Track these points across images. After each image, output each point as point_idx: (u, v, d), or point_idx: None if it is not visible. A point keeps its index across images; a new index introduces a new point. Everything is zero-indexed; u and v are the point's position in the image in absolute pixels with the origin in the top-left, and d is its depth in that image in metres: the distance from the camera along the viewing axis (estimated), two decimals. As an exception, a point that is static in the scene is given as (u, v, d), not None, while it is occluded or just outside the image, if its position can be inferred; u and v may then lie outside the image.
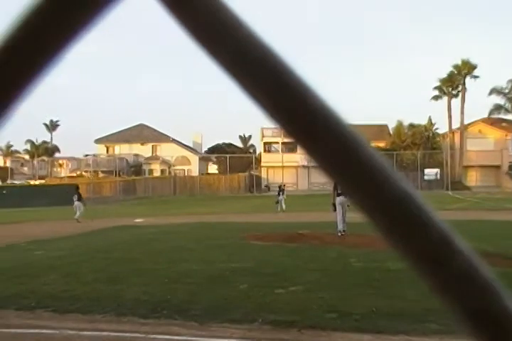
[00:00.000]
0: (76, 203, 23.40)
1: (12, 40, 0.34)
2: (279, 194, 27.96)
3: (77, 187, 25.26)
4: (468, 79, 54.41)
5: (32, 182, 54.38)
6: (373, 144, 58.08)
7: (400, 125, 59.83)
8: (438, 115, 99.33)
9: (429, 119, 59.32)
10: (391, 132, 61.82)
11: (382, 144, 59.65)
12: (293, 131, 0.39)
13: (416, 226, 0.37)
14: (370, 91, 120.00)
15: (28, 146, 77.61)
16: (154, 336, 5.29)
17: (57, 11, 0.34)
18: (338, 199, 14.05)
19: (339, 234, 13.72)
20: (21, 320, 6.05)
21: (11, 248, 13.01)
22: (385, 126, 63.75)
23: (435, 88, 56.66)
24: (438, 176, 53.22)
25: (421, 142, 57.51)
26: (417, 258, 0.38)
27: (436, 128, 59.91)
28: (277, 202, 27.27)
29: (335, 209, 14.24)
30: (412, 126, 59.63)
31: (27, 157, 77.27)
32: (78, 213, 22.64)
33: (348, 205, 13.88)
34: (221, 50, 0.37)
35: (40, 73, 0.36)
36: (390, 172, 0.38)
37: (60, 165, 73.08)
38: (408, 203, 0.38)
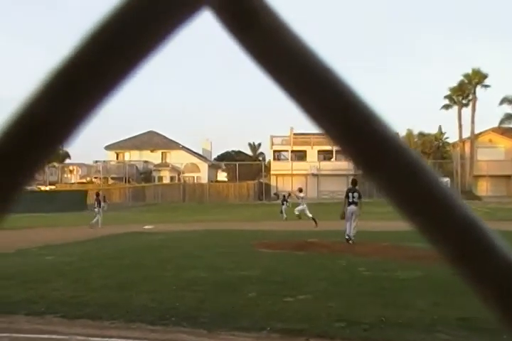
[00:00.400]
0: (96, 210, 23.52)
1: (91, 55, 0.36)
2: (283, 203, 28.45)
3: (98, 194, 25.33)
4: (478, 89, 54.21)
5: (42, 188, 54.67)
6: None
7: (409, 134, 59.72)
8: (448, 124, 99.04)
9: (440, 128, 59.21)
10: (401, 141, 61.59)
11: (391, 153, 59.42)
12: (357, 155, 0.39)
13: (482, 252, 0.38)
14: (380, 99, 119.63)
15: (39, 152, 78.00)
16: (163, 343, 5.31)
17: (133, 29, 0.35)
18: (350, 209, 14.19)
19: (350, 242, 13.89)
20: (31, 325, 6.09)
21: (21, 253, 13.08)
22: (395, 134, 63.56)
23: (445, 97, 56.49)
24: (448, 186, 52.87)
25: (431, 151, 57.35)
26: (481, 284, 0.39)
27: (447, 138, 59.77)
28: (281, 212, 27.60)
29: (343, 218, 14.31)
30: (421, 135, 59.53)
31: (38, 163, 77.61)
32: (95, 219, 22.80)
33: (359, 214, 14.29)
34: (285, 75, 0.38)
35: (115, 87, 0.37)
36: (455, 198, 0.39)
37: (71, 172, 73.43)
38: (474, 230, 0.38)
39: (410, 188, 0.39)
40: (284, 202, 28.45)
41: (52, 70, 0.35)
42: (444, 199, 0.38)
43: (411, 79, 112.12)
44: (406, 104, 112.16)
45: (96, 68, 0.35)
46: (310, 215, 22.94)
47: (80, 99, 0.35)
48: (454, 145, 58.22)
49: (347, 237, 14.08)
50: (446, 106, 56.92)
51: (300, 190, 25.44)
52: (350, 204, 14.25)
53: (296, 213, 24.40)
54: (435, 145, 58.25)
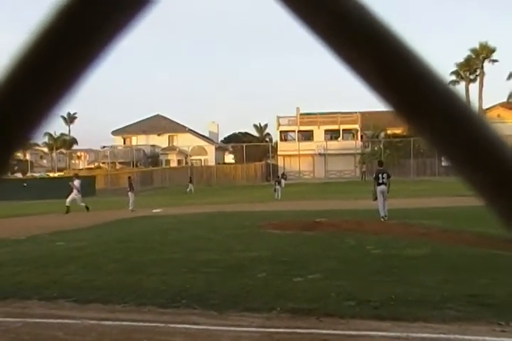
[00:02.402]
0: (129, 193, 23.67)
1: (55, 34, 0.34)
2: (275, 183, 29.07)
3: (130, 178, 25.52)
4: (486, 63, 53.58)
5: (51, 174, 54.95)
6: (390, 131, 57.81)
7: (416, 111, 59.17)
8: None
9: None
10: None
11: (398, 131, 59.17)
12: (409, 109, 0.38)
13: None
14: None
15: (46, 139, 78.42)
16: (174, 325, 5.35)
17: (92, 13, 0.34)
18: (380, 188, 15.06)
19: (382, 220, 14.50)
20: (44, 310, 6.16)
21: (33, 239, 13.20)
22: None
23: (452, 73, 55.91)
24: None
25: (438, 128, 56.89)
26: None
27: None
28: (275, 191, 28.07)
29: (376, 199, 15.05)
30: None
31: (46, 150, 78.08)
32: (130, 203, 22.98)
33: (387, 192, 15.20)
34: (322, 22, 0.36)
35: (84, 72, 0.36)
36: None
37: (78, 157, 73.78)
38: None
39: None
40: (276, 183, 29.07)
41: (12, 61, 0.33)
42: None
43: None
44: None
45: (56, 58, 0.33)
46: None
47: (41, 90, 0.33)
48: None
49: (383, 217, 14.68)
50: (453, 82, 56.31)
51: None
52: (380, 184, 15.10)
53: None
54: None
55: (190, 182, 40.94)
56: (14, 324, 5.70)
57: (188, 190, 39.21)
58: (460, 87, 56.03)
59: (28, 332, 5.42)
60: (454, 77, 55.87)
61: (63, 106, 0.36)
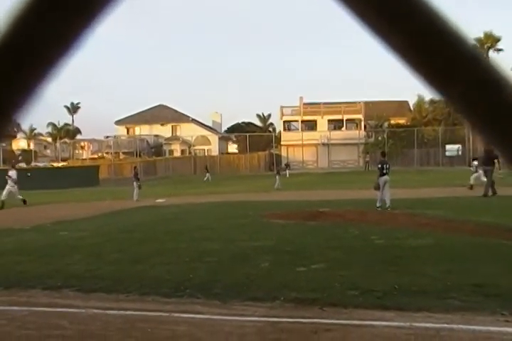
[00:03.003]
0: (134, 183, 23.66)
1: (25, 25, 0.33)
2: (276, 173, 29.31)
3: (135, 168, 25.47)
4: (491, 53, 53.18)
5: (55, 164, 55.03)
6: (393, 121, 57.61)
7: (420, 101, 58.95)
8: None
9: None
10: (412, 108, 61.01)
11: (402, 120, 58.95)
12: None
13: None
14: (391, 65, 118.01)
15: (50, 129, 78.45)
16: (178, 315, 5.36)
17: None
18: (384, 179, 15.33)
19: (379, 209, 14.80)
20: (49, 299, 6.19)
21: (37, 229, 13.24)
22: (406, 102, 62.96)
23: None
24: (460, 152, 52.46)
25: (442, 118, 56.64)
26: None
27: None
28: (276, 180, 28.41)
29: (378, 188, 15.30)
30: (433, 101, 58.68)
31: (49, 139, 78.16)
32: (135, 193, 23.01)
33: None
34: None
35: (61, 56, 0.35)
36: None
37: (82, 147, 73.78)
38: None
39: None
40: (278, 173, 29.30)
41: None
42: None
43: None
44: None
45: (39, 35, 0.32)
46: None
47: (24, 69, 0.31)
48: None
49: (380, 207, 14.97)
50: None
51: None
52: (384, 174, 15.34)
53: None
54: (446, 112, 57.46)
55: (207, 171, 42.30)
56: (19, 312, 5.73)
57: (205, 179, 40.21)
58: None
59: (33, 320, 5.44)
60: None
61: (47, 87, 0.34)
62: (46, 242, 10.65)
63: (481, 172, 20.89)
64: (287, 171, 41.44)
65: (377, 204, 15.05)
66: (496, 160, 18.58)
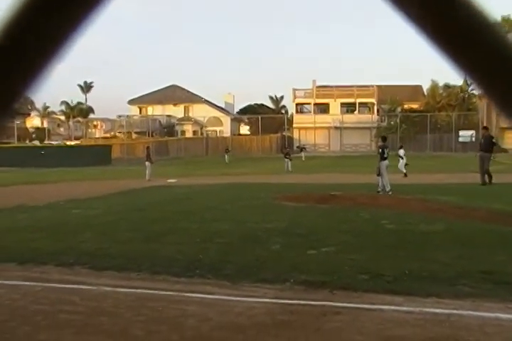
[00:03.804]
0: (146, 163, 23.77)
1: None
2: (285, 156, 29.39)
3: (148, 148, 25.54)
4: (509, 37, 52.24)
5: (68, 142, 55.33)
6: (407, 105, 57.07)
7: (434, 86, 58.30)
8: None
9: (465, 80, 57.51)
10: (425, 93, 60.37)
11: (416, 105, 58.42)
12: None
13: None
14: (405, 50, 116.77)
15: (63, 107, 78.67)
16: (188, 294, 5.41)
17: None
18: (385, 163, 15.44)
19: (390, 193, 14.86)
20: (61, 276, 6.27)
21: (50, 206, 13.38)
22: (420, 87, 62.31)
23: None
24: (473, 138, 51.98)
25: (456, 103, 56.03)
26: None
27: (473, 89, 58.10)
28: (288, 162, 28.70)
29: (379, 174, 15.34)
30: (447, 86, 57.98)
31: (63, 118, 78.44)
32: (147, 172, 23.13)
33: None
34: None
35: (71, 36, 0.35)
36: None
37: (95, 126, 74.07)
38: None
39: None
40: (287, 155, 29.34)
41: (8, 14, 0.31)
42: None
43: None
44: (431, 54, 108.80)
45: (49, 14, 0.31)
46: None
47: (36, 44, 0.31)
48: (480, 96, 56.70)
49: (389, 191, 15.00)
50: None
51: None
52: (385, 159, 15.43)
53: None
54: (460, 97, 56.78)
55: (227, 152, 42.65)
56: (33, 288, 5.82)
57: (226, 160, 40.72)
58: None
59: (46, 296, 5.52)
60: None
61: (57, 64, 0.34)
62: (59, 220, 10.76)
63: (403, 160, 22.11)
64: (303, 154, 41.34)
65: (378, 189, 15.14)
66: (493, 147, 18.30)
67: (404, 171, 21.90)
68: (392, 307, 4.83)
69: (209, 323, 4.56)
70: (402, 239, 7.89)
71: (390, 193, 14.80)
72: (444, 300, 4.96)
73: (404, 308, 4.79)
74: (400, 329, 4.32)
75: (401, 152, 22.70)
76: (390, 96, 55.19)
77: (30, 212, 12.30)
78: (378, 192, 15.05)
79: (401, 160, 22.42)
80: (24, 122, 67.41)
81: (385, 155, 15.44)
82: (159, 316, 4.79)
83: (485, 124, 51.21)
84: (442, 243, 7.58)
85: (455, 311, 4.67)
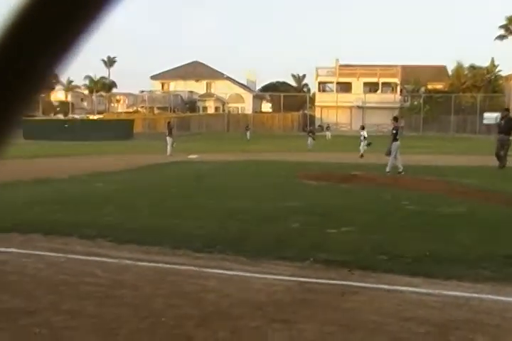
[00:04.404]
0: (167, 138, 23.87)
1: None
2: (308, 134, 29.36)
3: (169, 123, 25.59)
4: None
5: (91, 116, 55.69)
6: (431, 86, 56.10)
7: (459, 66, 57.17)
8: (502, 56, 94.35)
9: (492, 61, 56.28)
10: (450, 74, 59.25)
11: (440, 86, 57.44)
12: None
13: None
14: (430, 29, 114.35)
15: (87, 81, 78.99)
16: (208, 270, 5.46)
17: None
18: (398, 144, 15.46)
19: (402, 173, 14.94)
20: (84, 248, 6.37)
21: (73, 179, 13.54)
22: (444, 67, 61.14)
23: (501, 27, 53.41)
24: (498, 120, 51.14)
25: (482, 85, 54.92)
26: None
27: (499, 71, 56.86)
28: (312, 140, 28.76)
29: (389, 154, 15.36)
30: (472, 67, 56.80)
31: (86, 92, 78.82)
32: (168, 148, 23.28)
33: None
34: None
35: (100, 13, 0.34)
36: None
37: (117, 101, 74.31)
38: None
39: None
40: (310, 134, 29.17)
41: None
42: None
43: (464, 8, 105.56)
44: (457, 35, 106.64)
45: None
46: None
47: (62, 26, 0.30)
48: (507, 78, 55.50)
49: (402, 171, 15.03)
50: (501, 37, 53.99)
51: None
52: (397, 140, 15.53)
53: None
54: (486, 79, 55.59)
55: (247, 129, 42.51)
56: (57, 258, 5.92)
57: (248, 137, 40.85)
58: (507, 42, 53.66)
59: (69, 267, 5.63)
60: (502, 32, 53.42)
61: (85, 40, 0.34)
62: (82, 193, 10.90)
63: (364, 141, 22.48)
64: (328, 133, 41.05)
65: (387, 169, 15.08)
66: None
67: (362, 152, 22.19)
68: (411, 289, 4.83)
69: (228, 299, 4.60)
70: (422, 221, 7.85)
71: (403, 173, 14.83)
72: (464, 284, 4.94)
73: (423, 290, 4.79)
74: (418, 310, 4.32)
75: (363, 132, 22.98)
76: (413, 77, 54.32)
77: (54, 184, 12.47)
78: (387, 172, 14.98)
79: (362, 141, 22.75)
80: (48, 96, 67.89)
81: (398, 136, 15.60)
82: (179, 290, 4.86)
83: (511, 105, 50.30)
84: (464, 225, 7.52)
85: (475, 295, 4.65)
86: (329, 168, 16.30)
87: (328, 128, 43.24)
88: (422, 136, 46.06)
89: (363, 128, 23.83)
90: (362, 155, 21.79)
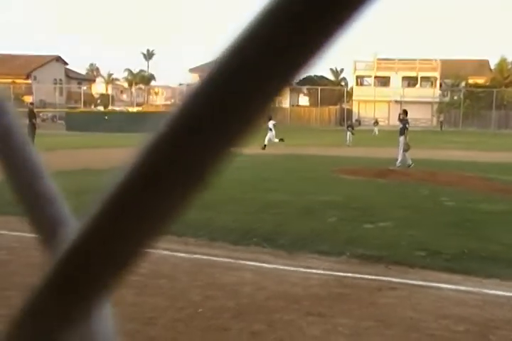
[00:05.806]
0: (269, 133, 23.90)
1: None
2: (347, 128, 28.78)
3: (270, 118, 25.51)
4: None
5: (130, 109, 56.47)
6: (471, 80, 54.83)
7: (503, 61, 55.71)
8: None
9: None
10: (492, 68, 57.80)
11: (481, 80, 56.11)
12: None
13: None
14: (472, 23, 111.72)
15: (126, 74, 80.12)
16: (244, 262, 5.50)
17: None
18: (402, 139, 15.67)
19: (413, 165, 15.09)
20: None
21: (114, 170, 13.71)
22: (486, 62, 59.67)
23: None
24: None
25: (525, 80, 53.48)
26: None
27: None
28: (350, 135, 28.01)
29: (407, 149, 15.59)
30: (516, 62, 55.34)
31: (126, 85, 79.97)
32: (267, 138, 23.44)
33: None
34: None
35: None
36: None
37: (156, 93, 75.17)
38: None
39: None
40: (349, 128, 28.54)
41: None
42: None
43: (506, 1, 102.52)
44: (502, 30, 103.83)
45: None
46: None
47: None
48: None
49: (411, 164, 15.16)
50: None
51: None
52: (404, 134, 15.82)
53: None
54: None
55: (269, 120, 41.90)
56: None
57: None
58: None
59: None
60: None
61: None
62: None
63: (272, 132, 22.33)
64: (375, 128, 40.21)
65: (398, 164, 15.15)
66: None
67: (266, 143, 21.98)
68: (450, 286, 4.77)
69: (264, 292, 4.63)
70: (461, 217, 7.72)
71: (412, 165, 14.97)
72: (505, 283, 4.84)
73: (463, 288, 4.72)
74: (456, 308, 4.26)
75: (270, 123, 22.55)
76: (454, 71, 53.20)
77: (96, 175, 12.70)
78: (398, 166, 15.03)
79: (270, 132, 22.53)
80: (90, 88, 69.15)
81: (405, 131, 15.71)
82: (216, 282, 4.91)
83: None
84: (504, 223, 7.36)
85: (517, 294, 4.56)
86: (366, 163, 16.14)
87: (376, 123, 42.27)
88: (461, 131, 45.16)
89: (270, 119, 22.78)
90: (264, 147, 21.71)
